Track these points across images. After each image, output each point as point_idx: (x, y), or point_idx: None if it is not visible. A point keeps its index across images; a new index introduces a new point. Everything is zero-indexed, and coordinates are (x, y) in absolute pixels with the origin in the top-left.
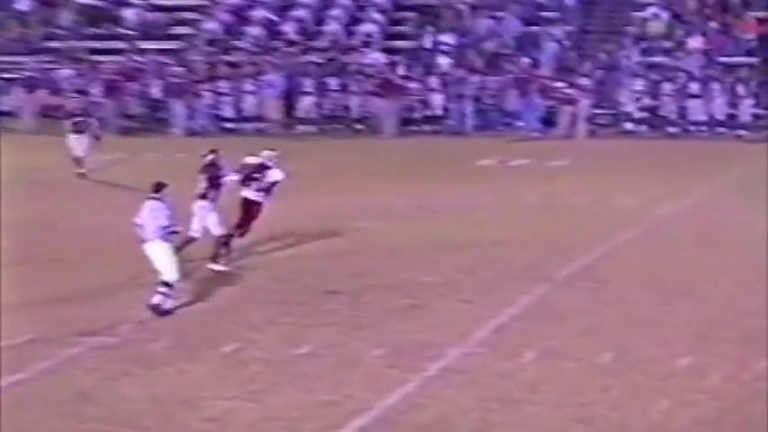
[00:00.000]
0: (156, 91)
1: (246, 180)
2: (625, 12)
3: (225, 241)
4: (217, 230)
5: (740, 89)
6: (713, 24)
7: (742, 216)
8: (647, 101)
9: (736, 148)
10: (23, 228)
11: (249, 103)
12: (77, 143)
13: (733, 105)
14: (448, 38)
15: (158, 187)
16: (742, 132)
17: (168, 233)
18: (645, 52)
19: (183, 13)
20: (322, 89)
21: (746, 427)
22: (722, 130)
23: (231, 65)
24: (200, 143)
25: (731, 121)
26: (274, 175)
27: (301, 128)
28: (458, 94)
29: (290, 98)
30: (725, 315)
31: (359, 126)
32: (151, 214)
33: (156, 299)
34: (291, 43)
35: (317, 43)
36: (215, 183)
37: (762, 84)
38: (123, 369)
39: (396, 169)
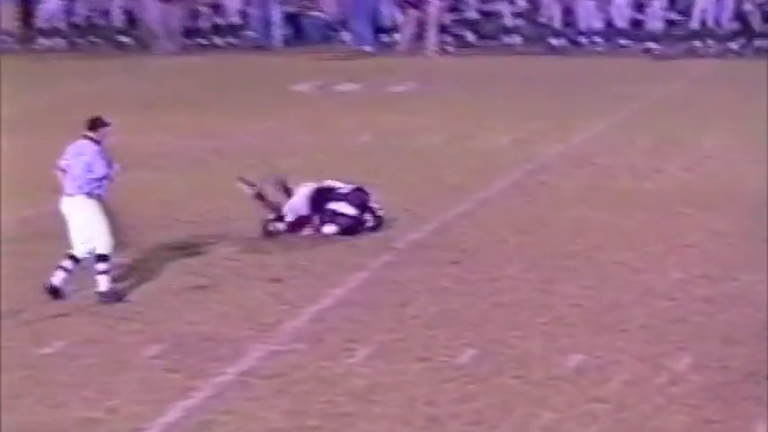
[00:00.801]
0: None
1: None
2: None
3: None
4: None
5: None
6: None
7: (652, 160)
8: (522, 2)
9: (644, 66)
10: None
11: None
12: None
13: (639, 8)
14: None
15: (94, 124)
16: (651, 45)
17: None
18: None
19: None
20: None
21: None
22: (624, 42)
23: None
24: None
25: (636, 31)
26: None
27: (44, 42)
28: None
29: (27, 1)
30: (629, 296)
31: (124, 39)
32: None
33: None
34: None
35: None
36: None
37: None
38: None
39: (177, 99)
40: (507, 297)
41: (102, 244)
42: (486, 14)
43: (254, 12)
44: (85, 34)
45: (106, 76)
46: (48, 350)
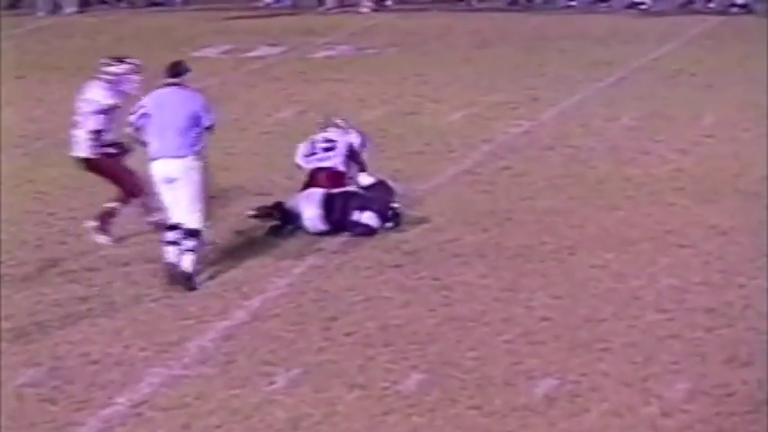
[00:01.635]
0: None
1: None
2: None
3: None
4: None
5: None
6: None
7: (638, 140)
8: None
9: (629, 25)
10: None
11: None
12: None
13: None
14: None
15: (176, 68)
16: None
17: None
18: None
19: None
20: None
21: None
22: None
23: None
24: None
25: None
26: None
27: None
28: None
29: None
30: (610, 308)
31: None
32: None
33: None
34: None
35: None
36: None
37: None
38: None
39: (64, 66)
40: (462, 309)
41: (197, 217)
42: None
43: None
44: None
45: None
46: None
